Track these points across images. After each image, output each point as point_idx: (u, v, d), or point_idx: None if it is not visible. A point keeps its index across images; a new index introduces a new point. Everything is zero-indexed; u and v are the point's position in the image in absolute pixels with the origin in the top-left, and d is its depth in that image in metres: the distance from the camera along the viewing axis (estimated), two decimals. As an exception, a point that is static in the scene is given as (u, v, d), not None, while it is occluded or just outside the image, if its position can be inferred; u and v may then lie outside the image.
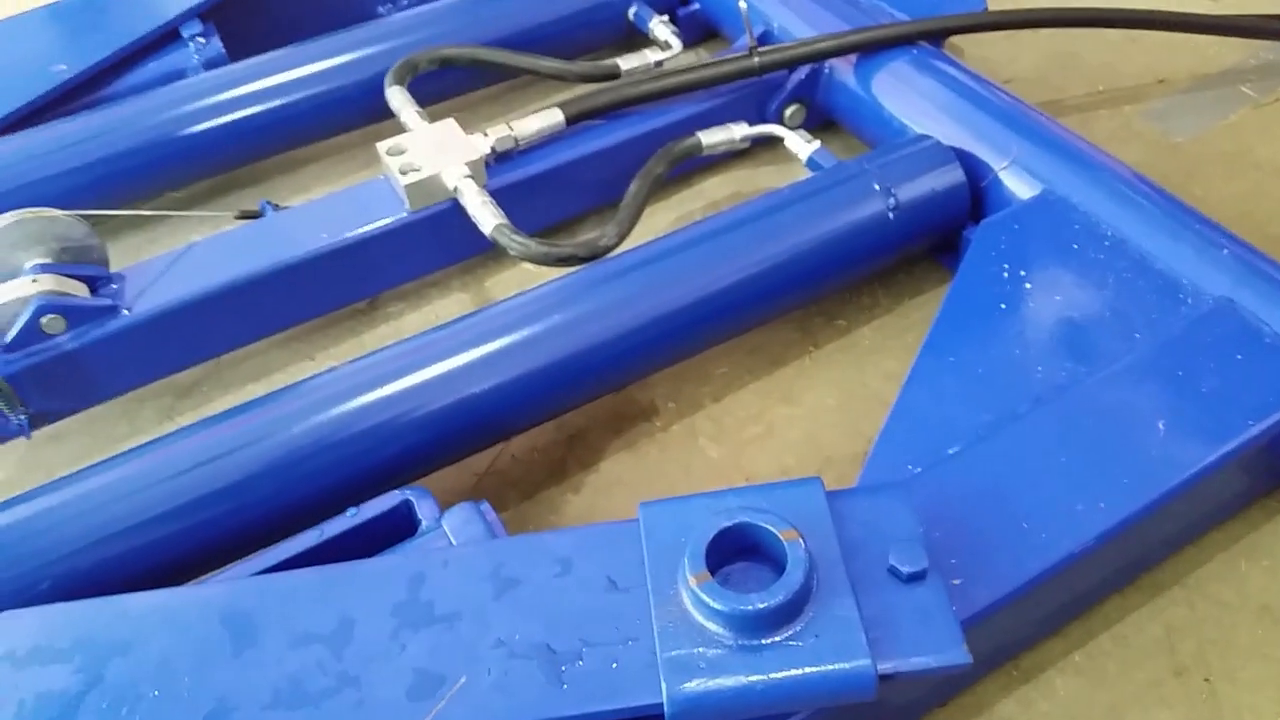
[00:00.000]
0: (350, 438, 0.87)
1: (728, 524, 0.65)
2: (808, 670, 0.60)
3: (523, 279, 1.11)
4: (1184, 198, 0.99)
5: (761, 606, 0.61)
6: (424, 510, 0.79)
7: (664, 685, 0.61)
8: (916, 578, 0.65)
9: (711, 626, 0.62)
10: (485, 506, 0.78)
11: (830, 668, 0.60)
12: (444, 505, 0.78)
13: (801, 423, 1.01)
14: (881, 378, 1.03)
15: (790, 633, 0.62)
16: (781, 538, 0.64)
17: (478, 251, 1.16)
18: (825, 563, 0.65)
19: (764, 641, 0.62)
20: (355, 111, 1.31)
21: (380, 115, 1.24)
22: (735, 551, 0.66)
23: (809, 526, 0.65)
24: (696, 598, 0.62)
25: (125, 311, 1.00)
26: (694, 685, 0.61)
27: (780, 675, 0.61)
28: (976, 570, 0.70)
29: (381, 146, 1.08)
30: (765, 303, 1.02)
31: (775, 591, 0.61)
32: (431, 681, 0.64)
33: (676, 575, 0.65)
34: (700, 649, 0.62)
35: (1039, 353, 0.86)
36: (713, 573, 0.64)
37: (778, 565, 0.63)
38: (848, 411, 1.01)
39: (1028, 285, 0.92)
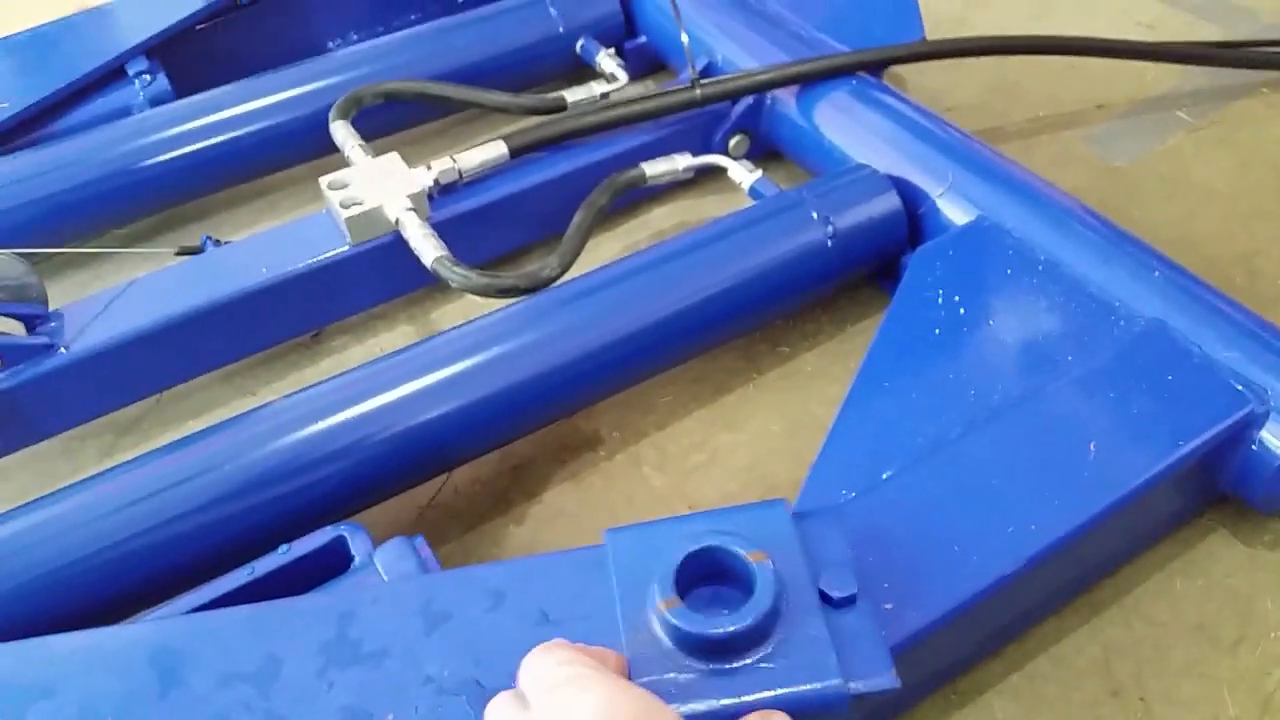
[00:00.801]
0: (289, 472, 0.87)
1: (695, 548, 0.64)
2: (779, 692, 0.60)
3: (468, 310, 1.11)
4: (1123, 220, 1.01)
5: (732, 629, 0.60)
6: (358, 546, 0.78)
7: None
8: (846, 603, 0.65)
9: (682, 651, 0.62)
10: (420, 541, 0.77)
11: (803, 688, 0.60)
12: (386, 539, 0.77)
13: (745, 449, 1.01)
14: (825, 403, 1.03)
15: (761, 654, 0.62)
16: (749, 560, 0.64)
17: (422, 284, 1.16)
18: (793, 583, 0.64)
19: (735, 665, 0.61)
20: (302, 146, 1.31)
21: (327, 150, 1.24)
22: (702, 576, 0.66)
23: (775, 547, 0.65)
24: (667, 623, 0.62)
25: (63, 350, 0.99)
26: None
27: (753, 698, 0.60)
28: (908, 594, 0.70)
29: (324, 180, 1.08)
30: (707, 330, 1.02)
31: (745, 614, 0.61)
32: (359, 719, 0.64)
33: (645, 601, 0.64)
34: (672, 674, 0.61)
35: (973, 377, 0.87)
36: (682, 597, 0.63)
37: (746, 588, 0.63)
38: (791, 437, 1.01)
39: (962, 310, 0.93)
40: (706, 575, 0.66)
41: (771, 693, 0.60)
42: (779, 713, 0.59)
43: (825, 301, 1.13)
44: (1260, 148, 1.31)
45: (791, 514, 0.71)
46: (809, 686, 0.61)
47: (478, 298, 1.16)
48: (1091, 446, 0.79)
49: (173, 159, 1.27)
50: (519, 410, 0.95)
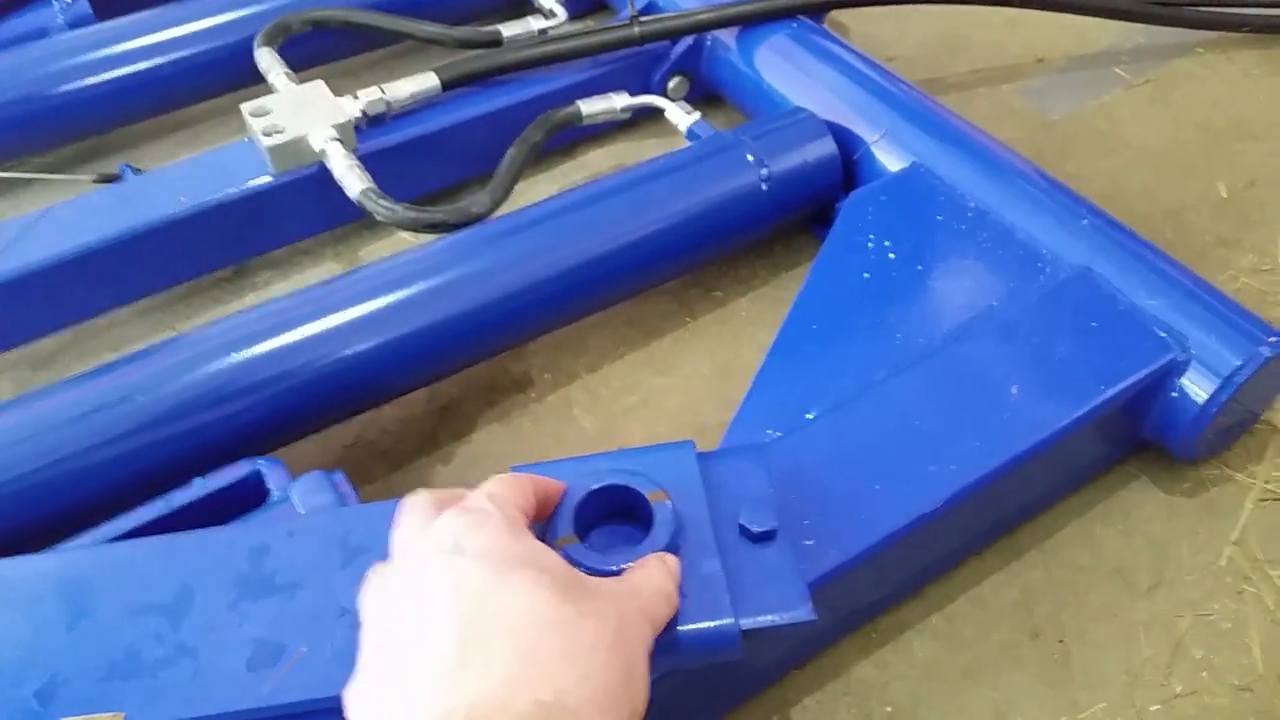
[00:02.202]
0: (206, 404, 0.84)
1: (596, 486, 0.64)
2: (674, 630, 0.59)
3: (396, 248, 1.08)
4: (1056, 174, 1.01)
5: (626, 567, 0.60)
6: (274, 480, 0.76)
7: None
8: (766, 537, 0.65)
9: None
10: (339, 476, 0.76)
11: (694, 627, 0.60)
12: (304, 476, 0.76)
13: (676, 393, 1.01)
14: (757, 348, 1.03)
15: None
16: (649, 499, 0.63)
17: (349, 219, 1.13)
18: (693, 524, 0.64)
19: None
20: (227, 75, 1.27)
21: (254, 80, 1.20)
22: (606, 515, 0.66)
23: (679, 488, 0.65)
24: (564, 558, 0.61)
25: (-29, 277, 0.96)
26: None
27: None
28: (828, 531, 0.70)
29: (245, 107, 1.05)
30: (639, 271, 1.01)
31: (640, 551, 0.61)
32: (271, 651, 0.62)
33: (544, 537, 0.63)
34: None
35: (900, 320, 0.87)
36: (583, 536, 0.63)
37: (648, 527, 0.63)
38: (722, 381, 1.01)
39: (891, 255, 0.92)
40: (610, 514, 0.66)
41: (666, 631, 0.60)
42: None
43: (760, 247, 1.12)
44: (1192, 106, 1.33)
45: (714, 451, 0.71)
46: (701, 626, 0.60)
47: (406, 235, 1.14)
48: (1014, 390, 0.80)
49: (92, 85, 1.22)
50: (445, 348, 0.93)
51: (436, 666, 0.47)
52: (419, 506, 0.57)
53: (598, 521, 0.66)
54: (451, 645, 0.47)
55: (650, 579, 0.58)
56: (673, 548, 0.62)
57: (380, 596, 0.53)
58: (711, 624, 0.60)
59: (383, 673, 0.49)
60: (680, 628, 0.60)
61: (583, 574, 0.55)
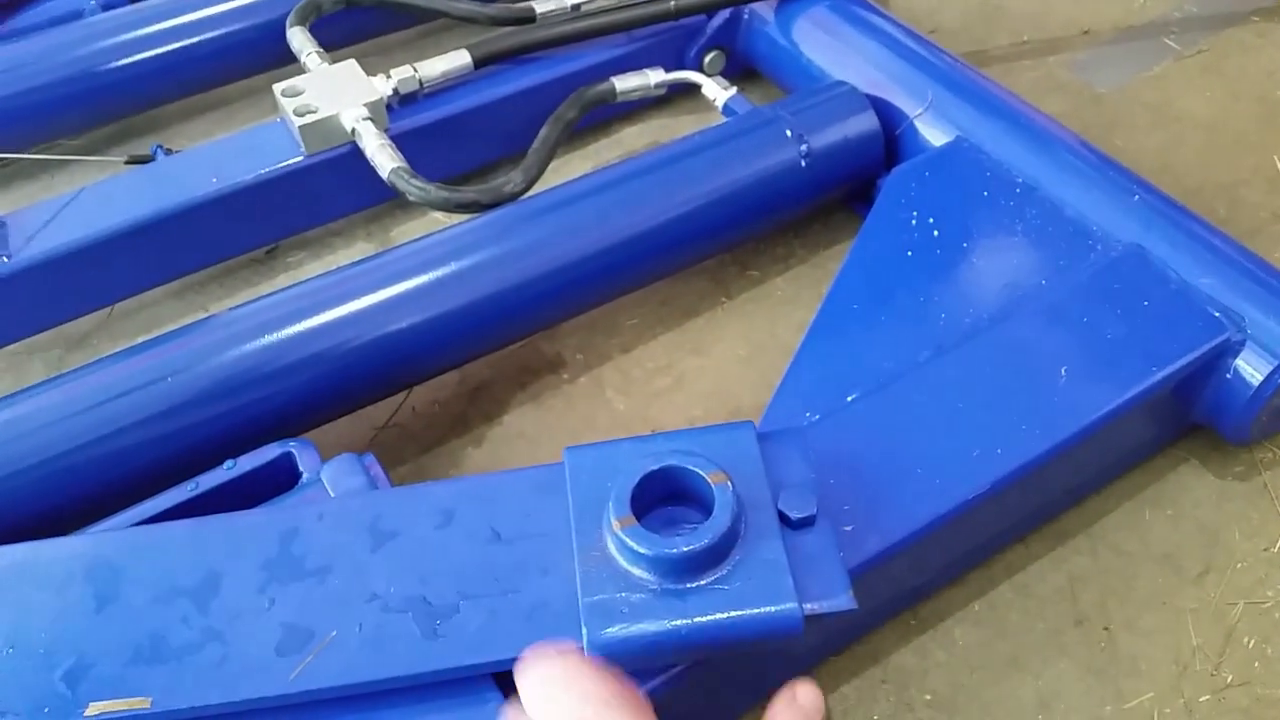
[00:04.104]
0: (238, 385, 0.84)
1: (654, 467, 0.62)
2: (733, 614, 0.58)
3: (428, 228, 1.08)
4: (1105, 148, 0.98)
5: (686, 550, 0.58)
6: (305, 462, 0.75)
7: (585, 630, 0.58)
8: (805, 523, 0.63)
9: (636, 571, 0.60)
10: (370, 459, 0.75)
11: (755, 611, 0.58)
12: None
13: (711, 374, 0.99)
14: (794, 328, 1.01)
15: (715, 576, 0.60)
16: (709, 480, 0.61)
17: (381, 199, 1.12)
18: (754, 506, 0.63)
19: (689, 585, 0.59)
20: (260, 55, 1.26)
21: (287, 61, 1.19)
22: (664, 497, 0.64)
23: (739, 469, 0.63)
24: (621, 542, 0.60)
25: (5, 259, 0.96)
26: (616, 630, 0.58)
27: (704, 619, 0.58)
28: (869, 517, 0.68)
29: (277, 87, 1.04)
30: (675, 250, 0.99)
31: (701, 534, 0.59)
32: (300, 636, 0.61)
33: (600, 521, 0.62)
34: (624, 593, 0.59)
35: (945, 300, 0.85)
36: (640, 517, 0.61)
37: (706, 509, 0.61)
38: (758, 363, 0.99)
39: (936, 232, 0.90)
40: (667, 496, 0.64)
41: (725, 614, 0.59)
42: (806, 682, 0.54)
43: (797, 225, 1.10)
44: (1247, 77, 1.28)
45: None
46: (763, 610, 0.59)
47: (438, 215, 1.13)
48: (1063, 371, 0.77)
49: (125, 66, 1.21)
50: (477, 328, 0.92)
51: None
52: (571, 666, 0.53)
53: (656, 504, 0.64)
54: None
55: None
56: (733, 531, 0.60)
57: None
58: (773, 608, 0.59)
59: None
60: (737, 611, 0.58)
61: None
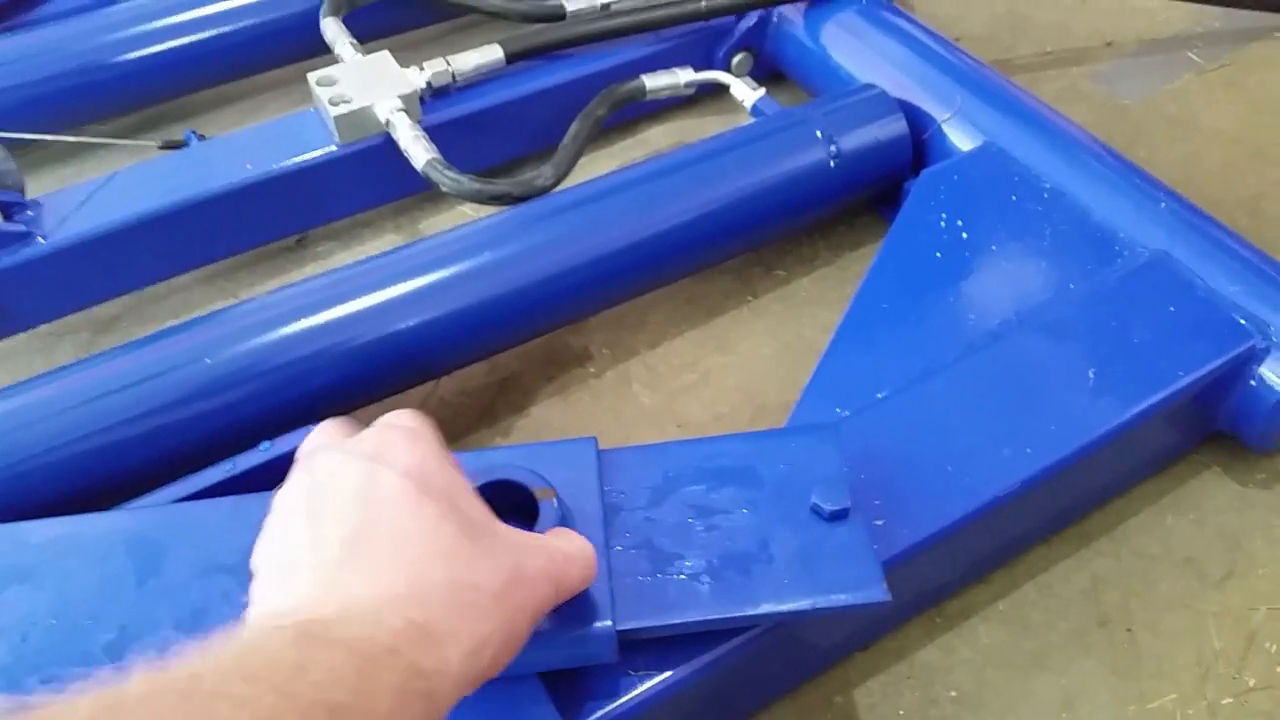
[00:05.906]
0: (271, 369, 0.84)
1: (487, 480, 0.61)
2: (548, 627, 0.58)
3: (457, 222, 1.09)
4: (1128, 159, 0.99)
5: (550, 530, 0.58)
6: (340, 445, 0.76)
7: None
8: (838, 516, 0.64)
9: None
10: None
11: (572, 632, 0.58)
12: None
13: (736, 371, 1.00)
14: (818, 328, 1.02)
15: None
16: (536, 496, 0.61)
17: (412, 190, 1.13)
18: (585, 522, 0.62)
19: None
20: (292, 45, 1.26)
21: (317, 50, 1.20)
22: (506, 509, 0.61)
23: (573, 485, 0.63)
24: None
25: (40, 239, 0.96)
26: None
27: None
28: (900, 511, 0.69)
29: (312, 77, 1.05)
30: (702, 248, 1.00)
31: None
32: (334, 613, 0.62)
33: None
34: None
35: (972, 302, 0.85)
36: None
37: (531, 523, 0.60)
38: (783, 361, 1.00)
39: (964, 235, 0.91)
40: (507, 509, 0.62)
41: (540, 628, 0.56)
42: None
43: (823, 227, 1.11)
44: (1270, 92, 1.29)
45: (786, 428, 0.70)
46: (577, 630, 0.58)
47: (468, 209, 1.14)
48: (1090, 374, 0.78)
49: (157, 53, 1.22)
50: (505, 321, 0.93)
51: (324, 554, 0.47)
52: (335, 423, 0.59)
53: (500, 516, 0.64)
54: (343, 541, 0.47)
55: (570, 544, 0.56)
56: None
57: (290, 488, 0.52)
58: (583, 630, 0.58)
59: (273, 545, 0.50)
60: (553, 629, 0.58)
61: (497, 521, 0.53)
